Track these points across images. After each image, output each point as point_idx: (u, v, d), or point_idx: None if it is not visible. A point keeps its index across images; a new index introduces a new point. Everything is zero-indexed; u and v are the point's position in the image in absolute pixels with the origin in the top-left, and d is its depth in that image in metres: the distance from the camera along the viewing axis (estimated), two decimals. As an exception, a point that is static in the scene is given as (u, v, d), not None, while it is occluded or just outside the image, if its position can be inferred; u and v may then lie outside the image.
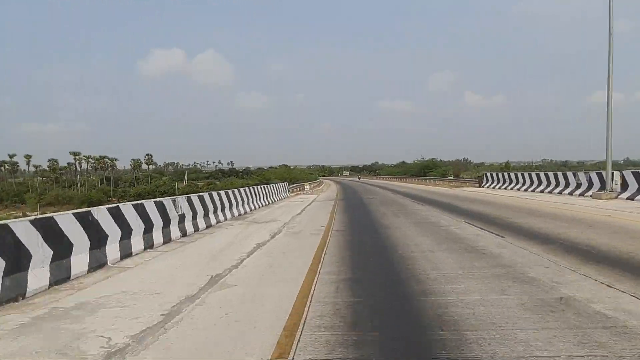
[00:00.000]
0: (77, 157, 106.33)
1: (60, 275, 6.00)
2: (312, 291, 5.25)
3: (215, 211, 13.65)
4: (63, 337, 4.03)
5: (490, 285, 5.29)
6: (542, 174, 24.47)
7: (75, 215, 6.61)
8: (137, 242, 8.27)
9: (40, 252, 5.68)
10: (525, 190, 24.87)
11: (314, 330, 3.99)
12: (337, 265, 6.79)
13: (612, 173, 17.65)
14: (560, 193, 21.16)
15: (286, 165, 49.30)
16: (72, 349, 3.77)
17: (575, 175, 21.05)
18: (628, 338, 3.58)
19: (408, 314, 4.43)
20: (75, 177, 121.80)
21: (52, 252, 5.89)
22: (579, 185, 20.32)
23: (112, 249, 7.42)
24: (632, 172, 16.95)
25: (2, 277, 5.05)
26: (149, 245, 8.68)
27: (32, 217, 5.92)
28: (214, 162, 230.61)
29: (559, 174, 22.87)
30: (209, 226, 12.53)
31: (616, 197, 16.94)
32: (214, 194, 14.37)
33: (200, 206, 12.36)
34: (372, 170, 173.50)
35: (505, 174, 28.04)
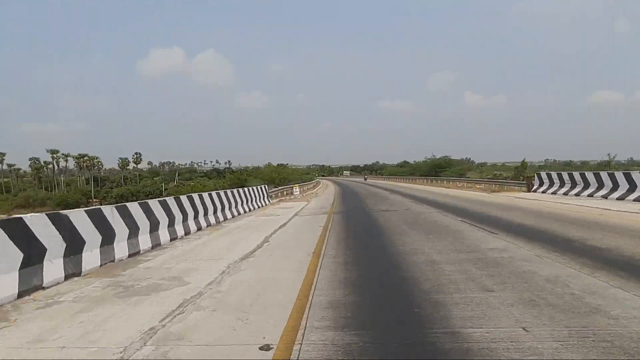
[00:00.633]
0: (55, 156, 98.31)
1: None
2: None
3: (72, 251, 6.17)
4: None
5: None
6: (635, 174, 16.57)
7: None
8: None
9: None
10: (605, 198, 17.03)
11: None
12: None
13: None
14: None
15: (280, 164, 41.80)
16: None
17: None
18: None
19: None
20: (59, 176, 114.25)
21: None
22: None
23: None
24: None
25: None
26: None
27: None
28: (211, 162, 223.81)
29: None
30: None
31: None
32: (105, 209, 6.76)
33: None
34: (373, 169, 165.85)
35: (575, 175, 20.03)
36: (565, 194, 20.02)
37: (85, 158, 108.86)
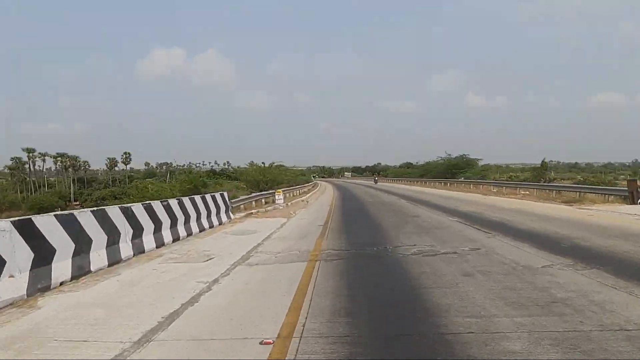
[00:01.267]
0: (31, 155, 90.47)
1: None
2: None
3: None
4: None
5: None
6: None
7: None
8: None
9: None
10: None
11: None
12: None
13: None
14: None
15: (272, 163, 33.27)
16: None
17: None
18: None
19: None
20: (43, 177, 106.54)
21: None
22: None
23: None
24: None
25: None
26: None
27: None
28: (209, 163, 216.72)
29: None
30: None
31: None
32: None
33: None
34: (376, 170, 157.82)
35: None
36: None
37: (65, 157, 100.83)
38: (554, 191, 22.10)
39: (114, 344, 3.77)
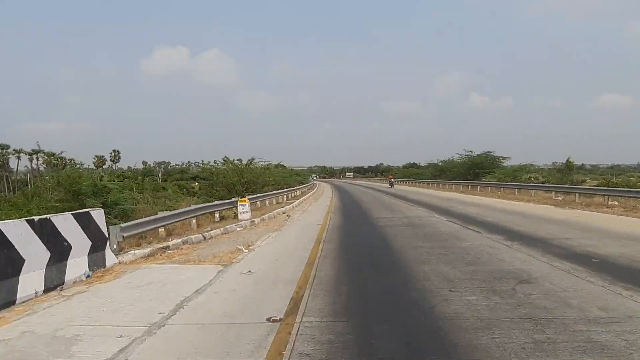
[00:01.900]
0: (4, 152, 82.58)
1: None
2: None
3: None
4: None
5: None
6: None
7: None
8: None
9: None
10: None
11: None
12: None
13: None
14: None
15: (249, 160, 23.96)
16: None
17: None
18: None
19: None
20: (25, 176, 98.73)
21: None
22: None
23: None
24: None
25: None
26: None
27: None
28: (208, 162, 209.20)
29: None
30: None
31: None
32: None
33: None
34: (379, 171, 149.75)
35: None
36: None
37: (40, 154, 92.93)
38: None
39: None
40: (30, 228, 5.73)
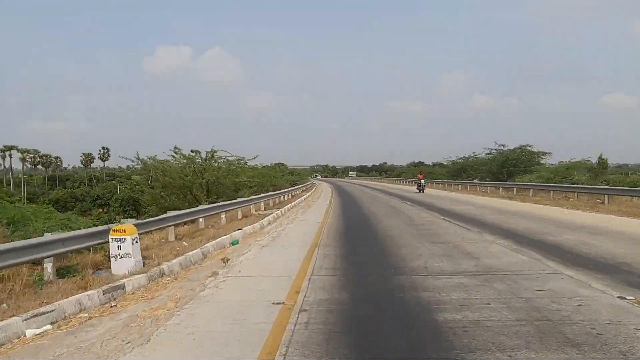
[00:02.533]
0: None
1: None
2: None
3: None
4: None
5: None
6: None
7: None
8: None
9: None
10: None
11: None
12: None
13: None
14: None
15: (209, 152, 17.19)
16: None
17: None
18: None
19: None
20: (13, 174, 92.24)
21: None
22: None
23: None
24: None
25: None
26: None
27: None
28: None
29: None
30: None
31: None
32: None
33: None
34: (383, 170, 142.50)
35: None
36: None
37: (27, 153, 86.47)
38: None
39: None
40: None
